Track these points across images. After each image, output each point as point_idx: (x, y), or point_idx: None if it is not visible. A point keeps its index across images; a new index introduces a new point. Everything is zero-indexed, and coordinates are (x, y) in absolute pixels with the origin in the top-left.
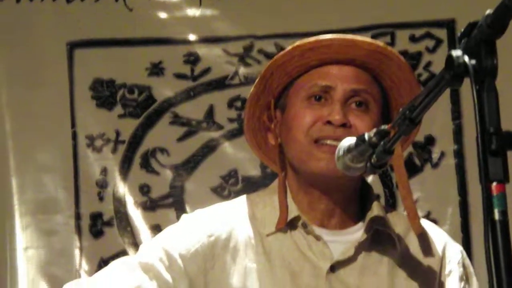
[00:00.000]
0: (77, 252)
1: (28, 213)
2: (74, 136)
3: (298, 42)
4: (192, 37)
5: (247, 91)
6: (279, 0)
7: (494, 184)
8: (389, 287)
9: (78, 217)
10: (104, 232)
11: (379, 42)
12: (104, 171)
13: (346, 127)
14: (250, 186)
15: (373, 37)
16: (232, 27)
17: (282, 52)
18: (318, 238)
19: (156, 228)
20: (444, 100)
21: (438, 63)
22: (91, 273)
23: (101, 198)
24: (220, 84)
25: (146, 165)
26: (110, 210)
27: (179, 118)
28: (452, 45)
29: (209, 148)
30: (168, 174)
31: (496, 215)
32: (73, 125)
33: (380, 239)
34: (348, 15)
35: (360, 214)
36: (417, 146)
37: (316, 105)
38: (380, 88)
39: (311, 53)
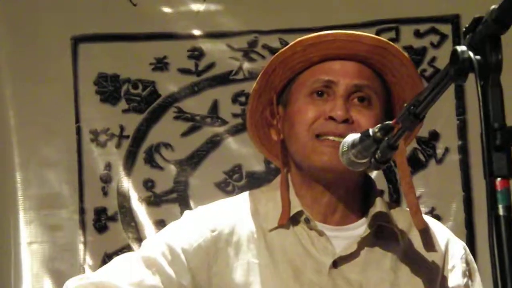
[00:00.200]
0: (81, 247)
1: (32, 208)
2: (78, 131)
3: (301, 38)
4: (196, 32)
5: (251, 86)
6: None
7: (499, 179)
8: (392, 282)
9: (82, 212)
10: (108, 227)
11: (382, 38)
12: (108, 166)
13: (348, 123)
14: (254, 181)
15: (377, 32)
16: (236, 22)
17: (284, 48)
18: (320, 233)
19: (160, 223)
20: (448, 96)
21: (442, 59)
22: (95, 268)
23: (105, 193)
24: (224, 79)
25: (150, 160)
26: (114, 205)
27: (183, 113)
28: (456, 41)
29: (213, 143)
30: (172, 169)
31: (501, 211)
32: (77, 120)
33: (383, 234)
34: (352, 10)
35: (363, 210)
36: (421, 142)
37: (319, 101)
38: (382, 83)
39: (314, 48)
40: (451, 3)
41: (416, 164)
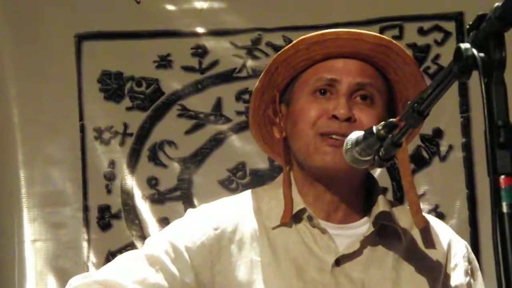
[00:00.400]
0: (85, 244)
1: (36, 205)
2: (82, 129)
3: (303, 36)
4: (200, 29)
5: (255, 84)
6: None
7: (502, 177)
8: (394, 280)
9: (86, 209)
10: (112, 225)
11: (384, 36)
12: (112, 163)
13: (351, 122)
14: (258, 179)
15: (381, 30)
16: (240, 19)
17: (287, 47)
18: (323, 231)
19: (164, 221)
20: (452, 93)
21: (446, 56)
22: (99, 265)
23: (109, 191)
24: (228, 77)
25: (154, 157)
26: (118, 203)
27: (187, 111)
28: (460, 38)
29: (217, 141)
30: (176, 167)
31: (504, 208)
32: (81, 117)
33: (386, 233)
34: (356, 8)
35: (366, 208)
36: (425, 139)
37: (322, 99)
38: (385, 81)
39: (316, 46)
40: (455, 1)
41: (419, 162)
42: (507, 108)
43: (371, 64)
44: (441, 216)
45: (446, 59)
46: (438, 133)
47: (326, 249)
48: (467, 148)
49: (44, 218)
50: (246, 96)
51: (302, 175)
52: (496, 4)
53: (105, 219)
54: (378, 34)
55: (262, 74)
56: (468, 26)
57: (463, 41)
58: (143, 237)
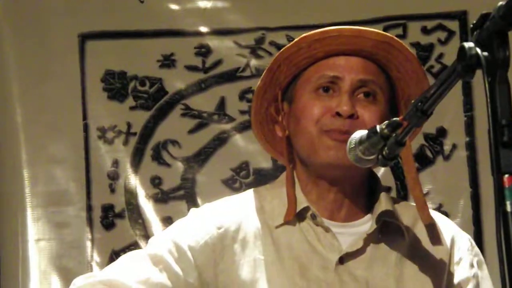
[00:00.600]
0: (88, 244)
1: (40, 205)
2: (86, 128)
3: (305, 34)
4: (203, 29)
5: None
6: None
7: (506, 176)
8: (398, 278)
9: (89, 209)
10: (116, 224)
11: (386, 33)
12: (116, 163)
13: (353, 118)
14: (261, 178)
15: (385, 29)
16: (243, 19)
17: (289, 45)
18: (327, 229)
19: (168, 220)
20: (456, 92)
21: (450, 55)
22: (102, 265)
23: (112, 190)
24: (232, 76)
25: (157, 157)
26: (121, 202)
27: (190, 110)
28: (464, 37)
29: (221, 140)
30: (180, 166)
31: (508, 207)
32: (84, 117)
33: (388, 230)
34: (360, 7)
35: (368, 206)
36: (428, 138)
37: (324, 96)
38: (387, 79)
39: (318, 44)
40: (458, 0)
41: (423, 161)
42: (511, 107)
43: (373, 61)
44: (444, 215)
45: (449, 58)
46: (441, 132)
47: (329, 247)
48: (471, 147)
49: (48, 218)
50: (250, 96)
51: (305, 173)
52: (500, 3)
53: (108, 218)
54: (380, 31)
55: (264, 72)
56: (471, 25)
57: (466, 40)
58: (147, 236)
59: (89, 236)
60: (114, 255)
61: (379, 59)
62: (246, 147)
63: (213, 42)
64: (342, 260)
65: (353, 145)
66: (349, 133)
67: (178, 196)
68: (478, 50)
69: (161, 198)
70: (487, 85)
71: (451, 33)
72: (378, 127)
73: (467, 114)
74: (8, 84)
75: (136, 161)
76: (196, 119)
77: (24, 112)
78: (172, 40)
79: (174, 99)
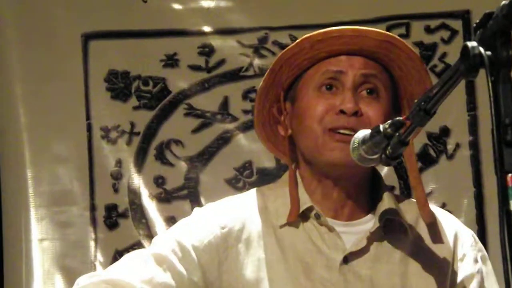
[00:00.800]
0: (92, 243)
1: (43, 205)
2: (89, 128)
3: (307, 35)
4: (206, 28)
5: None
6: None
7: (510, 175)
8: (402, 275)
9: (93, 208)
10: (119, 224)
11: (388, 32)
12: (119, 162)
13: (357, 116)
14: (265, 177)
15: (388, 28)
16: (246, 18)
17: (291, 45)
18: (331, 229)
19: (171, 220)
20: (459, 91)
21: (453, 54)
22: (106, 264)
23: (116, 190)
24: (235, 75)
25: (161, 156)
26: (125, 202)
27: (193, 110)
28: (467, 36)
29: (224, 139)
30: (183, 165)
31: None
32: (88, 117)
33: (392, 227)
34: (363, 6)
35: (371, 204)
36: (432, 138)
37: (328, 94)
38: (389, 77)
39: (321, 44)
40: None
41: (427, 160)
42: None
43: (376, 60)
44: None
45: (453, 57)
46: (445, 131)
47: (333, 247)
48: (474, 146)
49: (51, 217)
50: (253, 95)
51: (309, 172)
52: (503, 2)
53: (112, 218)
54: (382, 31)
55: (266, 73)
56: (475, 24)
57: (470, 39)
58: (150, 236)
59: (93, 235)
60: (117, 255)
61: (381, 58)
62: (250, 146)
63: (216, 42)
64: (346, 259)
65: (357, 145)
66: (353, 130)
67: (182, 196)
68: (481, 49)
69: (164, 197)
70: (490, 85)
71: (454, 33)
72: (381, 127)
73: (471, 113)
74: (12, 84)
75: (140, 160)
76: (200, 118)
77: (27, 112)
78: (175, 39)
79: (178, 98)
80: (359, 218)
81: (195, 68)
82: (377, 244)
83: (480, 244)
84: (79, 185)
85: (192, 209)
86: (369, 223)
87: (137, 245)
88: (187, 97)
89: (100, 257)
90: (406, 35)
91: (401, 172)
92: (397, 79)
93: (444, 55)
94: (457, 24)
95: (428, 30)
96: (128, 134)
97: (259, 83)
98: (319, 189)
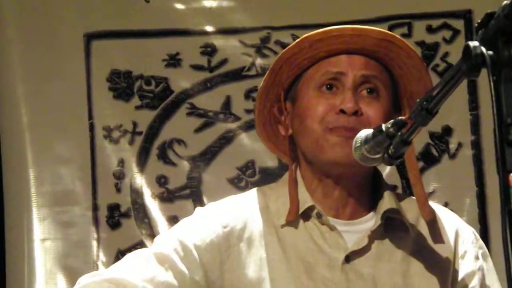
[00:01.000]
0: (94, 243)
1: (46, 204)
2: (91, 128)
3: (307, 34)
4: (209, 28)
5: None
6: None
7: None
8: (404, 274)
9: (95, 208)
10: (122, 224)
11: (387, 31)
12: (121, 162)
13: (358, 115)
14: (267, 177)
15: (390, 28)
16: (249, 18)
17: (291, 45)
18: (332, 228)
19: (174, 219)
20: (461, 91)
21: (455, 54)
22: (108, 264)
23: (118, 190)
24: (237, 75)
25: (163, 156)
26: (127, 202)
27: (196, 109)
28: (469, 36)
29: (226, 139)
30: (185, 165)
31: None
32: (90, 116)
33: (393, 226)
34: (365, 6)
35: (372, 203)
36: (434, 137)
37: (328, 94)
38: (389, 76)
39: (320, 44)
40: None
41: (429, 159)
42: None
43: (375, 59)
44: None
45: (454, 57)
46: (447, 130)
47: (335, 246)
48: (476, 145)
49: (54, 217)
50: (255, 95)
51: (310, 172)
52: (505, 2)
53: (114, 218)
54: (382, 30)
55: (266, 74)
56: (476, 24)
57: (471, 39)
58: (153, 235)
59: (95, 235)
60: (120, 255)
61: (381, 57)
62: (252, 146)
63: (219, 41)
64: (348, 258)
65: (359, 144)
66: (354, 130)
67: (184, 195)
68: (483, 49)
69: (167, 197)
70: (492, 84)
71: (456, 32)
72: (383, 126)
73: (473, 112)
74: (14, 83)
75: (142, 160)
76: (202, 118)
77: (29, 111)
78: (177, 39)
79: (180, 98)
80: (361, 217)
81: (197, 67)
82: (379, 242)
83: (480, 241)
84: (81, 185)
85: (194, 208)
86: (370, 221)
87: (140, 245)
88: (190, 96)
89: (102, 257)
90: (408, 35)
91: (403, 172)
92: (397, 78)
93: (446, 54)
94: (459, 24)
95: (430, 29)
96: (130, 134)
97: (261, 82)
98: (320, 188)
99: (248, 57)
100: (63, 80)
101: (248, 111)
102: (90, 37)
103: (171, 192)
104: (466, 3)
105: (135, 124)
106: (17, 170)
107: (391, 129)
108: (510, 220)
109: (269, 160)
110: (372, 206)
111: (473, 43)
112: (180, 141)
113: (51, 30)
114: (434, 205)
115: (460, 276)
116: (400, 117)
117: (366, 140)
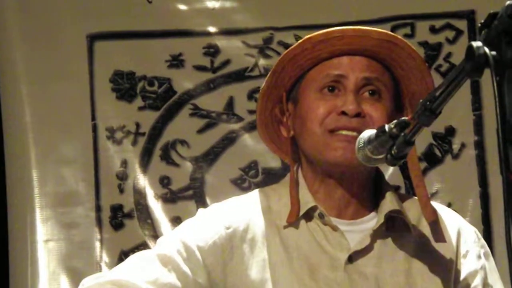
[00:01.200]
0: (97, 244)
1: (49, 205)
2: (94, 129)
3: (309, 35)
4: (211, 29)
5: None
6: None
7: None
8: (407, 273)
9: (98, 209)
10: (125, 224)
11: (389, 32)
12: (125, 163)
13: (360, 117)
14: (270, 177)
15: (393, 28)
16: (251, 19)
17: (292, 46)
18: (335, 228)
19: (177, 220)
20: (464, 91)
21: (458, 54)
22: (111, 265)
23: (121, 190)
24: (240, 76)
25: (166, 157)
26: (130, 202)
27: (199, 110)
28: (472, 36)
29: (229, 140)
30: (188, 166)
31: None
32: (93, 117)
33: (396, 226)
34: (368, 6)
35: (374, 203)
36: (437, 137)
37: (330, 96)
38: (391, 77)
39: (322, 45)
40: None
41: (432, 160)
42: None
43: (377, 60)
44: None
45: (458, 57)
46: (450, 131)
47: (338, 246)
48: (480, 146)
49: (57, 218)
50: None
51: (312, 172)
52: (508, 2)
53: (117, 218)
54: (383, 30)
55: (268, 75)
56: (479, 24)
57: (475, 39)
58: (156, 236)
59: (98, 236)
60: (123, 256)
61: (383, 58)
62: (255, 146)
63: (222, 42)
64: (351, 258)
65: (362, 145)
66: (356, 130)
67: (187, 196)
68: (486, 49)
69: (170, 198)
70: (495, 84)
71: (459, 32)
72: (386, 127)
73: (476, 113)
74: (17, 84)
75: (145, 161)
76: (205, 119)
77: (33, 112)
78: (180, 40)
79: (183, 99)
80: (363, 216)
81: (200, 68)
82: (381, 242)
83: (482, 241)
84: (85, 186)
85: (197, 209)
86: (372, 221)
87: (143, 246)
88: (193, 97)
89: (105, 257)
90: (410, 35)
91: (406, 172)
92: (398, 78)
93: (449, 55)
94: (462, 24)
95: (433, 30)
96: (133, 135)
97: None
98: (322, 188)
99: (251, 57)
100: (66, 81)
101: (251, 112)
102: (93, 38)
103: (174, 193)
104: (469, 3)
105: (138, 125)
106: (20, 171)
107: (394, 130)
108: None
109: (272, 161)
110: (374, 206)
111: (476, 43)
112: (183, 142)
113: (54, 31)
114: (436, 204)
115: (462, 276)
116: (403, 118)
117: (369, 141)
